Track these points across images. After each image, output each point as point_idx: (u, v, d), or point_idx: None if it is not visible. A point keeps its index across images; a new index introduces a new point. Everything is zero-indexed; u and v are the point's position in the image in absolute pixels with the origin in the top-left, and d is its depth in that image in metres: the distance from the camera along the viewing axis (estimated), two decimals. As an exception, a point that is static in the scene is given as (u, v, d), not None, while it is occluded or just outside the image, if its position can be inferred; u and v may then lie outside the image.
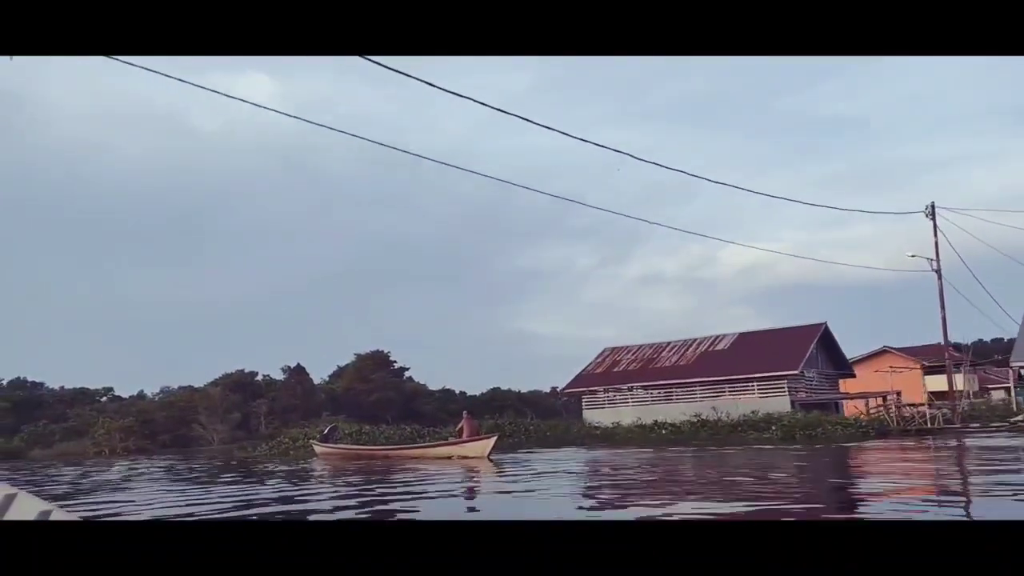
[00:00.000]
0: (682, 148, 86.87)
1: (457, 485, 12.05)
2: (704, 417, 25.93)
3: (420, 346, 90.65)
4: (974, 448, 16.11)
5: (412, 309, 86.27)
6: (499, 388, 60.35)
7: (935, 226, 24.07)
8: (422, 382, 59.29)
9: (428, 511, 8.15)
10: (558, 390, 35.28)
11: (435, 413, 49.98)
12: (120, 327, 74.42)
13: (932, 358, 36.37)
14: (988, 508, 7.13)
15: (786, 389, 27.23)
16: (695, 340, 32.36)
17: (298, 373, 54.12)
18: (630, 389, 31.02)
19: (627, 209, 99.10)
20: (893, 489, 8.95)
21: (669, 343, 32.99)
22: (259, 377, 54.57)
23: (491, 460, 18.22)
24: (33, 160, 79.99)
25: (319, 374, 58.45)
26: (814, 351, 28.82)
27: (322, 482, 14.14)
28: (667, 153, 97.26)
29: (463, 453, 19.24)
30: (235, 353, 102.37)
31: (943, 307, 25.07)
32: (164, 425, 46.03)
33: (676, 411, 28.02)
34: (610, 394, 31.65)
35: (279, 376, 54.83)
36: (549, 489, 10.12)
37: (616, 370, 32.75)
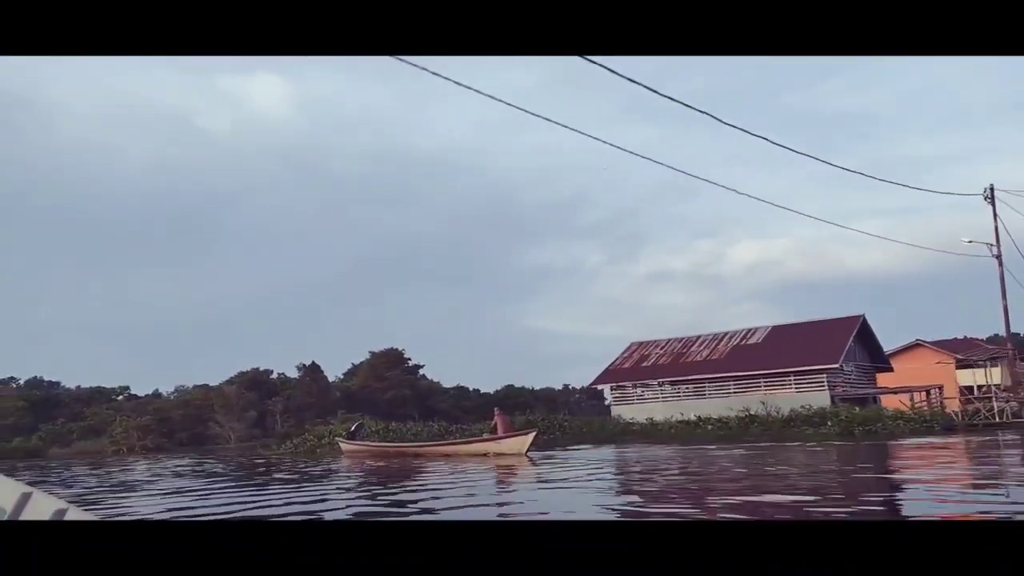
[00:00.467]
0: (690, 145, 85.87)
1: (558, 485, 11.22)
2: (753, 412, 24.88)
3: (432, 344, 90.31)
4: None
5: (423, 307, 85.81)
6: (513, 385, 59.81)
7: (994, 211, 23.12)
8: (435, 380, 58.80)
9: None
10: (585, 386, 34.50)
11: (451, 410, 49.50)
12: (132, 326, 74.30)
13: (965, 352, 35.51)
14: None
15: (826, 383, 26.36)
16: (726, 334, 31.51)
17: (313, 371, 53.75)
18: (660, 384, 30.23)
19: (633, 206, 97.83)
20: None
21: (699, 337, 32.16)
22: (274, 375, 54.25)
23: (529, 457, 17.57)
24: (44, 162, 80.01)
25: (333, 372, 58.12)
26: (852, 344, 27.92)
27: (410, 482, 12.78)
28: (675, 150, 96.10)
29: (499, 450, 18.65)
30: (247, 352, 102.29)
31: (1004, 295, 24.01)
32: (181, 423, 45.75)
33: (709, 407, 27.23)
34: (638, 389, 30.87)
35: (294, 374, 54.50)
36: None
37: (645, 365, 31.95)
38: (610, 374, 32.65)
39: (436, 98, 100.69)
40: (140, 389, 55.97)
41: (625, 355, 33.58)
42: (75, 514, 1.75)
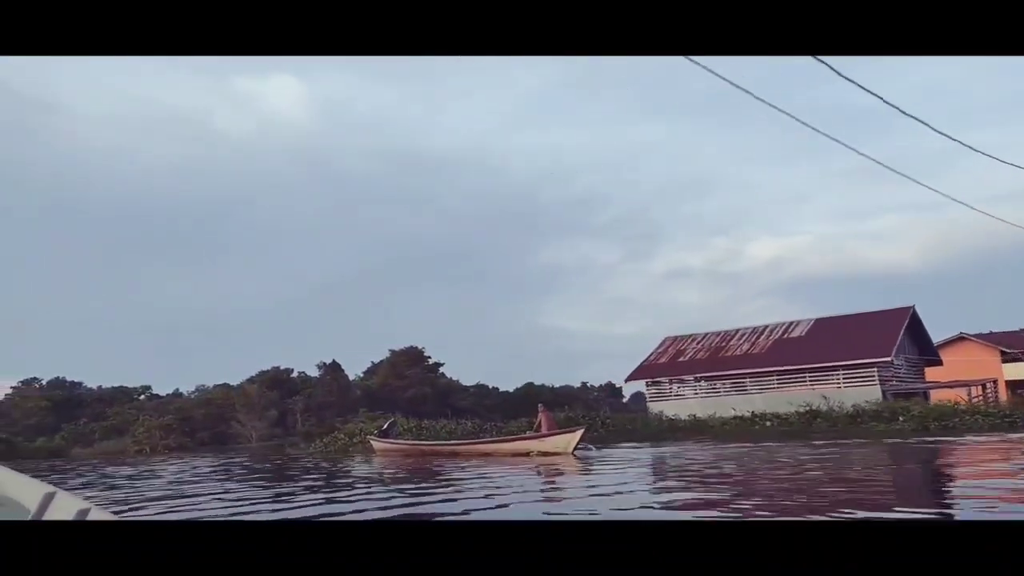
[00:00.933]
0: (703, 142, 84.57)
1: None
2: (815, 407, 23.60)
3: (449, 342, 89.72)
4: None
5: (441, 306, 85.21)
6: (532, 383, 58.99)
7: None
8: (455, 378, 58.11)
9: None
10: (623, 380, 33.43)
11: (472, 408, 48.85)
12: (153, 326, 74.21)
13: (1011, 346, 34.34)
14: None
15: (876, 377, 25.23)
16: (766, 327, 30.46)
17: (333, 370, 53.25)
18: (696, 379, 29.20)
19: (647, 204, 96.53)
20: None
21: (738, 330, 31.13)
22: (294, 374, 53.83)
23: (575, 456, 16.64)
24: (65, 165, 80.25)
25: (353, 371, 57.61)
26: (902, 337, 26.77)
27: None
28: (688, 148, 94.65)
29: (544, 448, 17.75)
30: (267, 351, 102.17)
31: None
32: (202, 423, 45.42)
33: (749, 402, 26.18)
34: (674, 385, 29.86)
35: (314, 373, 54.03)
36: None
37: (681, 360, 30.97)
38: (644, 369, 31.68)
39: (452, 97, 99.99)
40: (161, 388, 55.92)
41: (660, 350, 32.60)
42: (97, 514, 1.75)
